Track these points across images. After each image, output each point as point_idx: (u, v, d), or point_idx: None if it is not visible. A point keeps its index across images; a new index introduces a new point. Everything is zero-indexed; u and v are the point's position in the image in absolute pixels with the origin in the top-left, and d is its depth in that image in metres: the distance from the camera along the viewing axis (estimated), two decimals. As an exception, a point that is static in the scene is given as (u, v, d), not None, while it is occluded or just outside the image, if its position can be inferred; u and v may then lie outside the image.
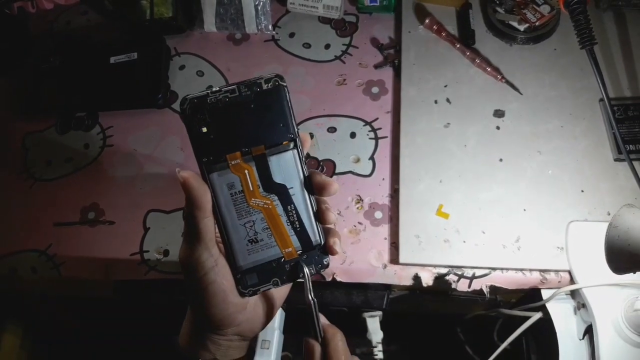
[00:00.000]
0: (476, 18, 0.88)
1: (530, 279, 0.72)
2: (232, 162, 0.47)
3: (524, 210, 0.74)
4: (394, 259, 0.74)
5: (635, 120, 0.77)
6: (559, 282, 0.72)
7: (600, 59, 0.76)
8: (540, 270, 0.72)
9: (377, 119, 0.84)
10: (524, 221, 0.74)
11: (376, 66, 0.89)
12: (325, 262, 0.51)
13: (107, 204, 0.83)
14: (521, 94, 0.82)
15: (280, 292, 0.55)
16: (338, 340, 0.49)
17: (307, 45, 0.92)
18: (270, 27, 0.93)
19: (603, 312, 0.67)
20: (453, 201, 0.76)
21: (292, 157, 0.48)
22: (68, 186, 0.86)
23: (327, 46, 0.92)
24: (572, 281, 0.71)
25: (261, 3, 0.91)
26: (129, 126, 0.89)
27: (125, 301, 0.96)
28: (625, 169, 0.74)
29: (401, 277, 0.74)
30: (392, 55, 0.89)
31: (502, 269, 0.73)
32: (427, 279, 0.74)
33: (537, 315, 0.76)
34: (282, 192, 0.49)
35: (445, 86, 0.84)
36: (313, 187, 0.49)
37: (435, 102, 0.83)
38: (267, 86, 0.46)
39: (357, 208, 0.79)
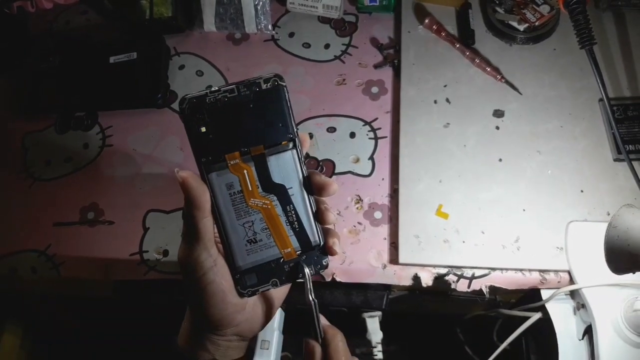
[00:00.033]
0: (476, 18, 0.88)
1: (529, 279, 0.72)
2: (231, 162, 0.47)
3: (524, 210, 0.74)
4: (394, 259, 0.74)
5: (634, 120, 0.77)
6: (559, 282, 0.72)
7: (599, 59, 0.76)
8: (540, 271, 0.72)
9: (376, 118, 0.84)
10: (523, 221, 0.74)
11: (376, 66, 0.89)
12: (324, 263, 0.51)
13: (106, 204, 0.83)
14: (521, 94, 0.82)
15: (280, 293, 0.55)
16: (338, 341, 0.49)
17: (306, 45, 0.92)
18: (269, 26, 0.93)
19: (602, 313, 0.67)
20: (452, 201, 0.76)
21: (291, 157, 0.48)
22: (67, 186, 0.86)
23: (327, 46, 0.92)
24: (571, 281, 0.71)
25: (261, 3, 0.91)
26: (129, 126, 0.89)
27: (125, 301, 0.96)
28: (624, 169, 0.74)
29: (401, 277, 0.74)
30: (391, 55, 0.89)
31: (501, 269, 0.73)
32: (427, 279, 0.74)
33: (537, 316, 0.76)
34: (281, 192, 0.49)
35: (445, 86, 0.84)
36: (312, 187, 0.49)
37: (435, 102, 0.83)
38: (266, 86, 0.46)
39: (357, 208, 0.79)
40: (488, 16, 0.86)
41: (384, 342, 0.92)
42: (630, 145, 0.76)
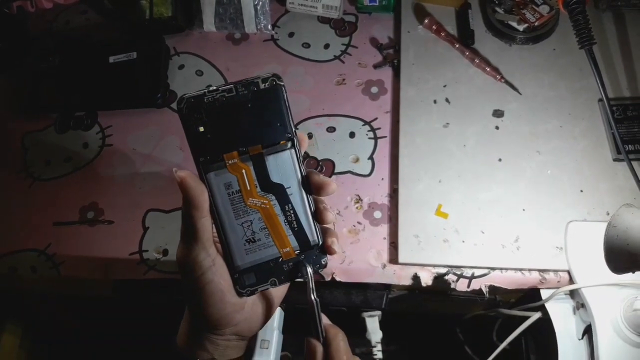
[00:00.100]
0: (475, 18, 0.88)
1: (529, 279, 0.72)
2: (230, 162, 0.47)
3: (523, 210, 0.74)
4: (393, 258, 0.74)
5: (634, 120, 0.77)
6: (558, 282, 0.72)
7: (599, 59, 0.76)
8: (540, 270, 0.72)
9: (376, 118, 0.84)
10: (523, 221, 0.74)
11: (375, 66, 0.89)
12: (323, 262, 0.51)
13: (106, 204, 0.83)
14: (520, 94, 0.82)
15: (279, 292, 0.55)
16: (340, 341, 0.49)
17: (306, 45, 0.92)
18: (269, 26, 0.93)
19: (602, 312, 0.67)
20: (452, 201, 0.76)
21: (290, 157, 0.48)
22: (67, 186, 0.86)
23: (327, 46, 0.92)
24: (571, 281, 0.71)
25: (260, 3, 0.91)
26: (128, 126, 0.89)
27: (125, 301, 0.96)
28: (624, 169, 0.74)
29: (400, 276, 0.74)
30: (391, 55, 0.89)
31: (501, 268, 0.73)
32: (426, 279, 0.74)
33: (536, 315, 0.76)
34: (280, 192, 0.49)
35: (445, 86, 0.84)
36: (311, 187, 0.49)
37: (435, 102, 0.83)
38: (265, 85, 0.46)
39: (357, 208, 0.79)
40: (488, 16, 0.86)
41: (383, 341, 0.92)
42: (629, 145, 0.76)
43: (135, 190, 0.84)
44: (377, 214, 0.78)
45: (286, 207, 0.49)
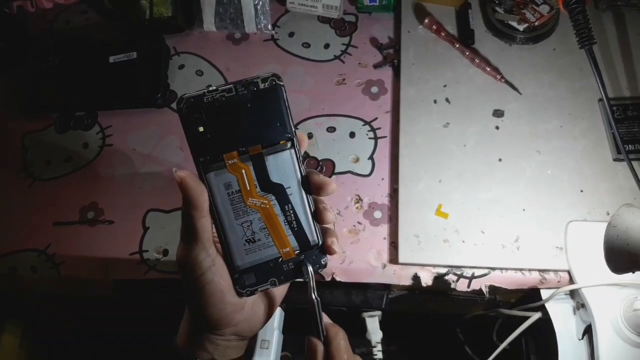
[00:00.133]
0: (475, 18, 0.88)
1: (529, 279, 0.72)
2: (229, 162, 0.47)
3: (523, 210, 0.74)
4: (393, 258, 0.74)
5: (634, 120, 0.77)
6: (558, 282, 0.72)
7: (599, 59, 0.76)
8: (540, 270, 0.72)
9: (376, 118, 0.84)
10: (523, 221, 0.74)
11: (375, 66, 0.89)
12: (323, 262, 0.51)
13: (106, 204, 0.83)
14: (520, 93, 0.82)
15: (278, 292, 0.55)
16: (340, 339, 0.49)
17: (306, 45, 0.92)
18: (269, 26, 0.93)
19: (602, 312, 0.67)
20: (452, 201, 0.76)
21: (290, 157, 0.48)
22: (67, 185, 0.86)
23: (327, 46, 0.92)
24: (571, 281, 0.71)
25: (260, 2, 0.91)
26: (128, 126, 0.89)
27: (125, 301, 0.96)
28: (624, 169, 0.74)
29: (400, 276, 0.74)
30: (391, 55, 0.89)
31: (501, 268, 0.73)
32: (427, 279, 0.74)
33: (537, 315, 0.76)
34: (280, 192, 0.49)
35: (445, 86, 0.84)
36: (311, 187, 0.49)
37: (435, 101, 0.83)
38: (264, 85, 0.46)
39: (357, 208, 0.79)
40: (488, 16, 0.86)
41: (383, 341, 0.92)
42: (629, 145, 0.76)
43: (135, 190, 0.84)
44: (377, 214, 0.78)
45: (286, 207, 0.49)
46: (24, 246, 0.82)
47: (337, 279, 0.75)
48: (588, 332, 0.70)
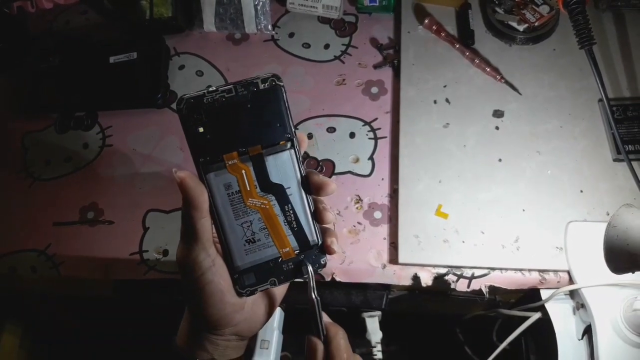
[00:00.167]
0: (475, 18, 0.88)
1: (529, 279, 0.72)
2: (229, 162, 0.47)
3: (523, 210, 0.74)
4: (393, 259, 0.74)
5: (634, 120, 0.77)
6: (558, 282, 0.72)
7: (599, 59, 0.76)
8: (539, 271, 0.72)
9: (376, 119, 0.84)
10: (523, 221, 0.74)
11: (375, 66, 0.89)
12: (322, 262, 0.51)
13: (106, 204, 0.83)
14: (520, 94, 0.82)
15: (278, 292, 0.55)
16: (340, 339, 0.49)
17: (306, 45, 0.92)
18: (269, 27, 0.93)
19: (602, 312, 0.67)
20: (452, 201, 0.76)
21: (289, 157, 0.48)
22: (67, 186, 0.86)
23: (327, 46, 0.92)
24: (571, 281, 0.71)
25: (261, 3, 0.91)
26: (128, 126, 0.89)
27: (125, 301, 0.96)
28: (624, 169, 0.74)
29: (400, 277, 0.74)
30: (391, 56, 0.89)
31: (501, 269, 0.73)
32: (426, 279, 0.74)
33: (536, 316, 0.76)
34: (280, 192, 0.49)
35: (445, 86, 0.84)
36: (310, 187, 0.49)
37: (435, 102, 0.83)
38: (264, 86, 0.46)
39: (357, 208, 0.79)
40: (488, 16, 0.86)
41: (383, 342, 0.92)
42: (629, 146, 0.76)
43: (135, 191, 0.84)
44: (377, 214, 0.78)
45: (286, 207, 0.49)
46: (24, 246, 0.82)
47: (337, 279, 0.75)
48: (588, 332, 0.70)
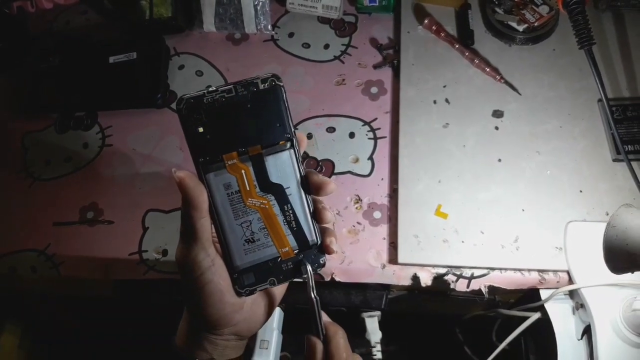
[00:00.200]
0: (475, 18, 0.88)
1: (528, 279, 0.72)
2: (229, 162, 0.47)
3: (523, 210, 0.74)
4: (393, 259, 0.74)
5: (633, 120, 0.77)
6: (558, 282, 0.72)
7: (598, 60, 0.77)
8: (539, 271, 0.72)
9: (376, 119, 0.84)
10: (522, 221, 0.74)
11: (375, 66, 0.89)
12: (321, 262, 0.51)
13: (106, 204, 0.83)
14: (520, 94, 0.82)
15: (278, 292, 0.55)
16: (340, 338, 0.49)
17: (306, 45, 0.92)
18: (269, 27, 0.93)
19: (601, 312, 0.67)
20: (452, 201, 0.76)
21: (289, 157, 0.48)
22: (67, 186, 0.86)
23: (327, 46, 0.92)
24: (570, 281, 0.71)
25: (260, 3, 0.91)
26: (128, 126, 0.89)
27: (125, 301, 0.96)
28: (623, 170, 0.74)
29: (400, 277, 0.74)
30: (391, 56, 0.89)
31: (500, 269, 0.73)
32: (426, 279, 0.74)
33: (536, 316, 0.76)
34: (279, 192, 0.49)
35: (444, 86, 0.84)
36: (310, 187, 0.49)
37: (434, 102, 0.83)
38: (264, 86, 0.46)
39: (356, 208, 0.79)
40: (487, 17, 0.86)
41: (383, 342, 0.92)
42: (629, 146, 0.76)
43: (135, 191, 0.84)
44: (377, 214, 0.78)
45: (285, 207, 0.49)
46: (23, 246, 0.82)
47: (337, 279, 0.75)
48: (587, 332, 0.70)
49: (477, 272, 0.73)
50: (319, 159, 0.82)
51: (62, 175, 0.87)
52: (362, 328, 0.91)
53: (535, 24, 0.84)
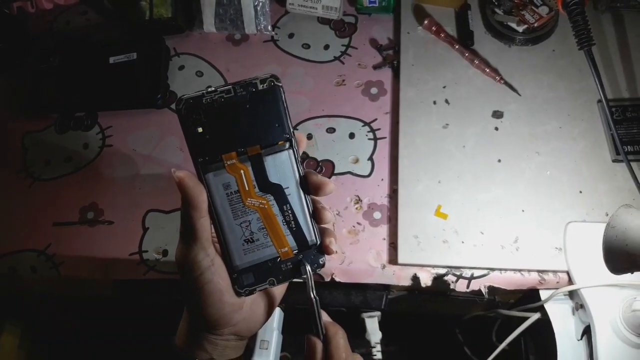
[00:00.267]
0: (475, 19, 0.88)
1: (528, 280, 0.72)
2: (228, 162, 0.47)
3: (523, 211, 0.74)
4: (393, 259, 0.74)
5: (633, 121, 0.77)
6: (557, 282, 0.72)
7: (598, 60, 0.77)
8: (539, 271, 0.72)
9: (376, 119, 0.84)
10: (522, 222, 0.74)
11: (375, 67, 0.89)
12: (321, 262, 0.51)
13: (106, 204, 0.83)
14: (520, 95, 0.82)
15: (277, 292, 0.55)
16: (339, 338, 0.49)
17: (306, 46, 0.92)
18: (269, 27, 0.93)
19: (601, 313, 0.67)
20: (452, 202, 0.76)
21: (288, 157, 0.48)
22: (67, 186, 0.86)
23: (326, 47, 0.92)
24: (570, 282, 0.71)
25: (260, 3, 0.91)
26: (128, 126, 0.89)
27: (125, 301, 0.96)
28: (623, 170, 0.74)
29: (400, 277, 0.74)
30: (391, 56, 0.89)
31: (500, 269, 0.73)
32: (426, 280, 0.74)
33: (536, 316, 0.76)
34: (278, 192, 0.49)
35: (444, 87, 0.84)
36: (309, 187, 0.49)
37: (434, 102, 0.83)
38: (263, 86, 0.46)
39: (356, 208, 0.79)
40: (487, 17, 0.86)
41: (383, 342, 0.92)
42: (628, 147, 0.76)
43: (135, 191, 0.84)
44: (377, 215, 0.78)
45: (284, 207, 0.49)
46: (23, 246, 0.82)
47: (337, 279, 0.75)
48: (587, 332, 0.70)
49: (477, 273, 0.73)
50: (319, 159, 0.83)
51: (62, 176, 0.87)
52: (362, 328, 0.91)
53: (535, 25, 0.84)
